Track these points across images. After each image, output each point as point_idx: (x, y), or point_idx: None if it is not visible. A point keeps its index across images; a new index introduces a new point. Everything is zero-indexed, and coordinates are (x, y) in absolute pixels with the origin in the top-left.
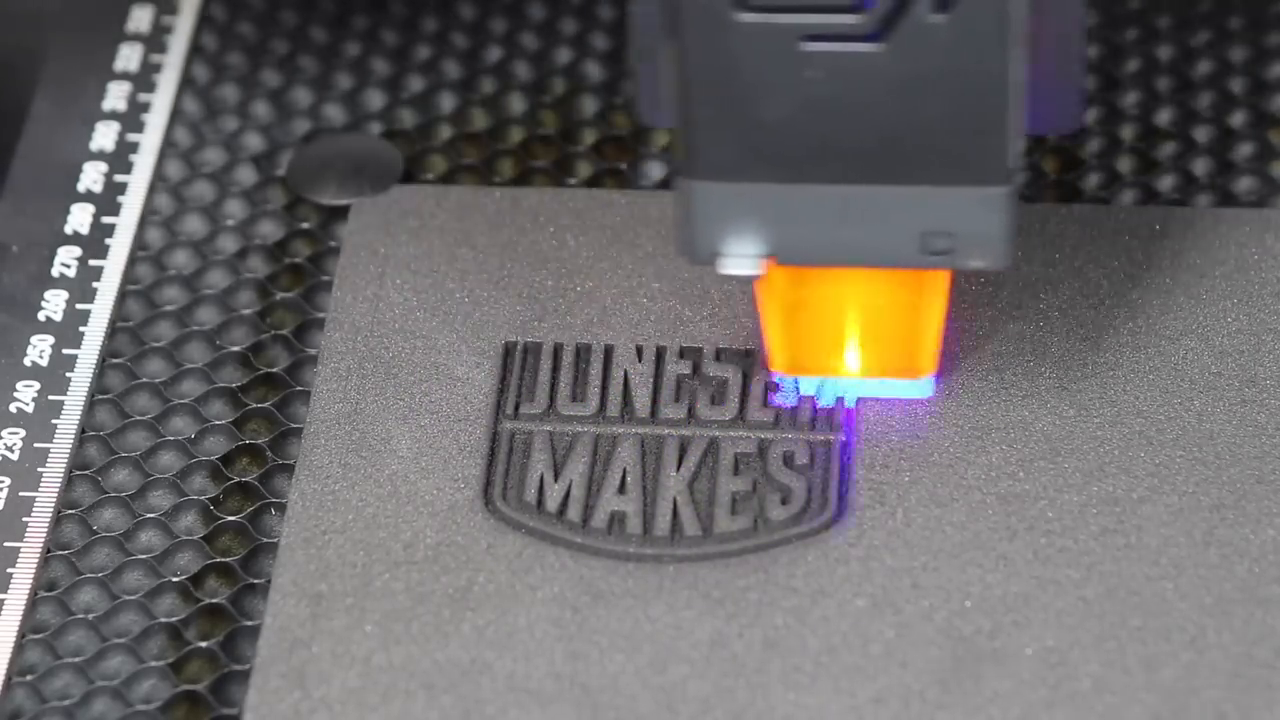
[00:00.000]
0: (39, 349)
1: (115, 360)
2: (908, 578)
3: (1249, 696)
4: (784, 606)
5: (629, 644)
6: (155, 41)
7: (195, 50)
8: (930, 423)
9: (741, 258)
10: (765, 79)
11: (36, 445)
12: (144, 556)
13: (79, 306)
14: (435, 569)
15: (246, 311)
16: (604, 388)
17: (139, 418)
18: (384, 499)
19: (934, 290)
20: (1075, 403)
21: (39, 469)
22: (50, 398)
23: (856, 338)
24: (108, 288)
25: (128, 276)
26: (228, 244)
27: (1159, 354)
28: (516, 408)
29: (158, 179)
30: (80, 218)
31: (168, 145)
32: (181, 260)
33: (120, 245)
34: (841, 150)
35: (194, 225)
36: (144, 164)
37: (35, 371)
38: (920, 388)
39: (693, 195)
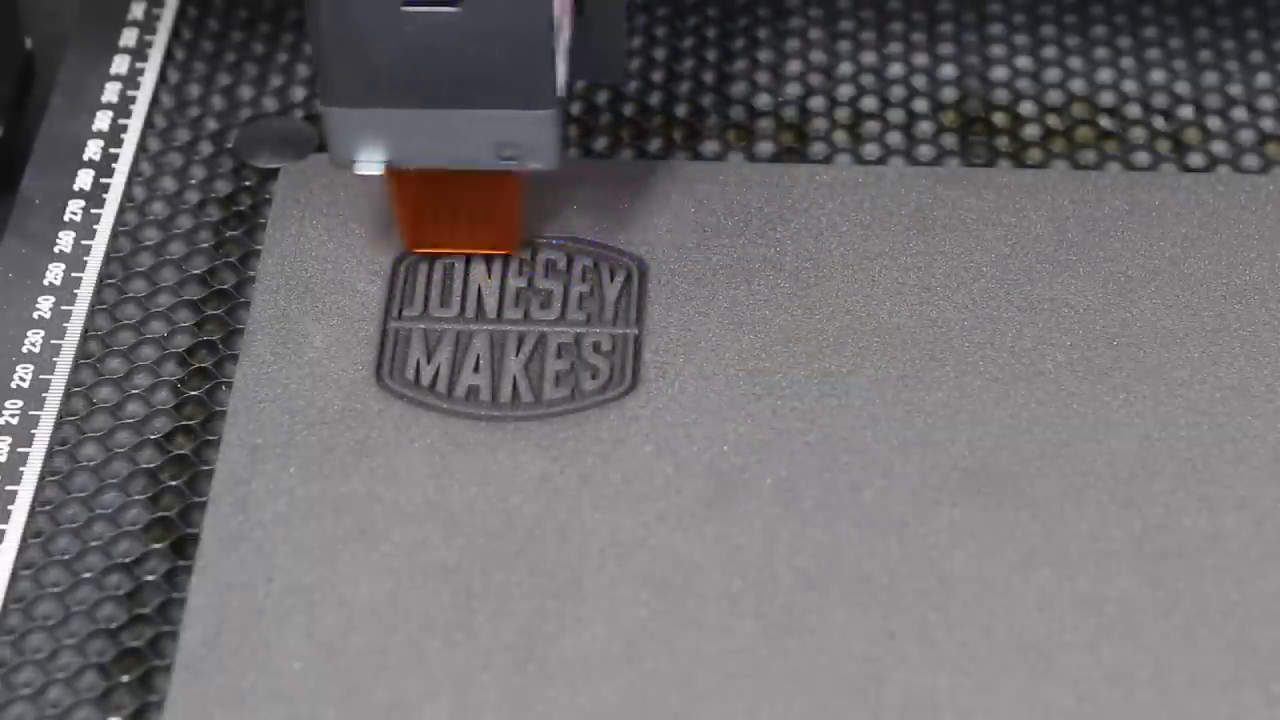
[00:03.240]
0: (54, 273)
1: (109, 281)
2: (682, 430)
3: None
4: (593, 452)
5: (482, 480)
6: (139, 53)
7: (168, 58)
8: (698, 319)
9: (368, 162)
10: (375, 32)
11: (53, 342)
12: (131, 421)
13: (83, 243)
14: (340, 427)
15: (205, 245)
16: (463, 296)
17: (126, 322)
18: (303, 378)
19: (508, 186)
20: (803, 304)
21: (54, 350)
22: (63, 308)
23: (461, 220)
24: (103, 229)
25: (119, 221)
26: (192, 197)
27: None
28: (400, 311)
29: (141, 150)
30: (84, 179)
31: (148, 127)
32: (158, 209)
33: (113, 199)
34: (434, 83)
35: (167, 184)
36: (130, 140)
37: (51, 289)
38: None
39: (328, 117)
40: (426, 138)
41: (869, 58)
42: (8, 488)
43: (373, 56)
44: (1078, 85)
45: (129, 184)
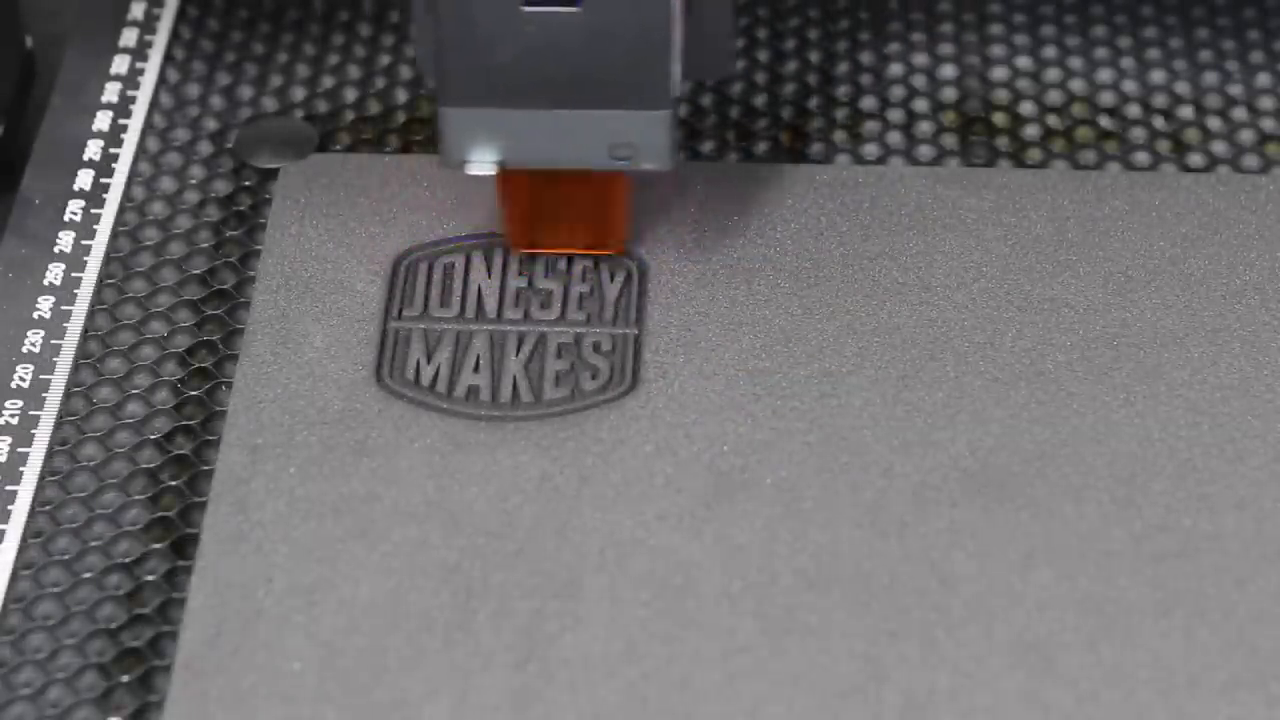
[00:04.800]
0: (54, 273)
1: (109, 281)
2: (682, 430)
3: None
4: (593, 452)
5: (482, 480)
6: (139, 53)
7: (168, 59)
8: (698, 319)
9: (481, 163)
10: (494, 32)
11: (53, 342)
12: (131, 421)
13: (83, 243)
14: (340, 427)
15: (205, 245)
16: (463, 296)
17: (126, 322)
18: (303, 378)
19: (618, 186)
20: (803, 304)
21: (55, 349)
22: (63, 308)
23: (568, 221)
24: (103, 229)
25: (118, 221)
26: (191, 197)
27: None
28: (400, 311)
29: (141, 150)
30: (84, 179)
31: (148, 127)
32: (158, 209)
33: (113, 199)
34: (551, 83)
35: (167, 184)
36: (130, 140)
37: (51, 289)
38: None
39: (444, 118)
40: (541, 138)
41: (869, 58)
42: (8, 488)
43: (491, 56)
44: (1078, 85)
45: (129, 184)
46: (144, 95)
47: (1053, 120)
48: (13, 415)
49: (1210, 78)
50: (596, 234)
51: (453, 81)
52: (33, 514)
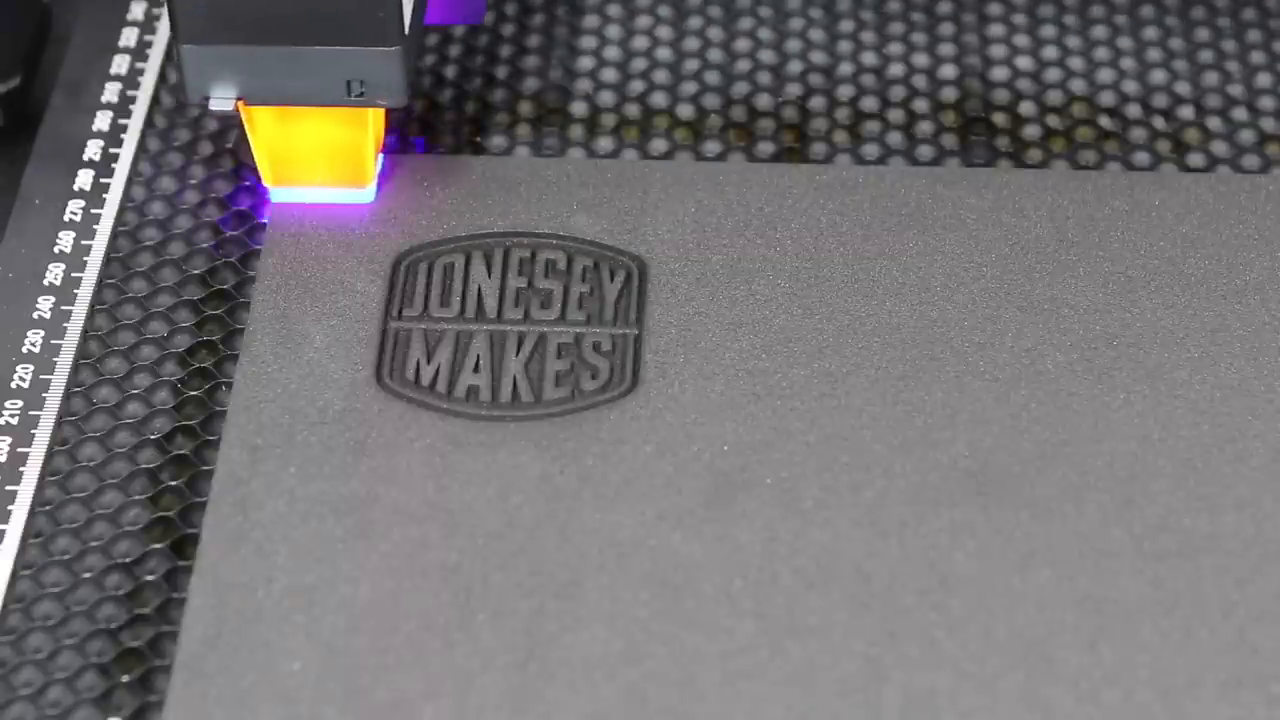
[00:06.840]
0: (54, 273)
1: (109, 281)
2: (682, 430)
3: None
4: (593, 452)
5: (482, 480)
6: (139, 53)
7: (169, 58)
8: (698, 319)
9: (221, 99)
10: None
11: (53, 342)
12: (131, 421)
13: (83, 243)
14: (340, 427)
15: (204, 245)
16: (463, 296)
17: (126, 322)
18: (303, 378)
19: (363, 123)
20: (803, 304)
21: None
22: (63, 308)
23: (318, 157)
24: (103, 229)
25: (118, 221)
26: (192, 197)
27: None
28: (400, 311)
29: (141, 150)
30: (84, 179)
31: (148, 127)
32: (158, 209)
33: (113, 199)
34: (285, 19)
35: (167, 183)
36: (130, 140)
37: (51, 289)
38: (365, 194)
39: (182, 55)
40: (278, 74)
41: (869, 58)
42: (8, 488)
43: None
44: (1078, 85)
45: (129, 184)
46: (144, 95)
47: (1053, 120)
48: (13, 415)
49: (1210, 78)
50: (344, 170)
51: (187, 18)
52: (33, 514)
